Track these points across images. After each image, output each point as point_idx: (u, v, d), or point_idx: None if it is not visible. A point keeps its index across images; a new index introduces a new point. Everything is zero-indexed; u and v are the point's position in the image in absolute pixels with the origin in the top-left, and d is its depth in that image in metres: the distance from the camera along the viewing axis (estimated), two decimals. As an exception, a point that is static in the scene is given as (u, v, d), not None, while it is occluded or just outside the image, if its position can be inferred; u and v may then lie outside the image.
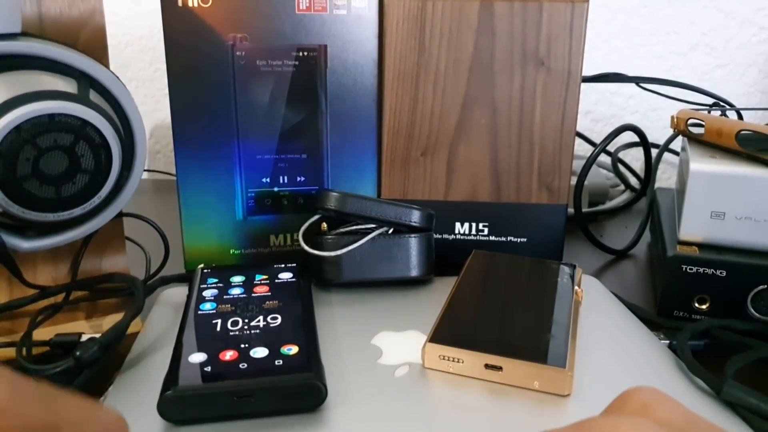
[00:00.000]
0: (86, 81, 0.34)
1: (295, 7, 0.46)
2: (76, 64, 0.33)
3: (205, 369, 0.30)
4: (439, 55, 0.49)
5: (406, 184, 0.52)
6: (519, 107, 0.50)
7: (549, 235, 0.52)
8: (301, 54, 0.48)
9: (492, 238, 0.53)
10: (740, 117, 0.64)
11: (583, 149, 0.82)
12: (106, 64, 0.39)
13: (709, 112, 0.65)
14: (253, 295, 0.38)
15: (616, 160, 0.74)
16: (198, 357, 0.31)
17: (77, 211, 0.34)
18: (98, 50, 0.37)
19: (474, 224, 0.53)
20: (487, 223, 0.53)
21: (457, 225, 0.53)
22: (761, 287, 0.42)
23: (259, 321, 0.35)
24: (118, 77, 0.36)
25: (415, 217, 0.45)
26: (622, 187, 0.75)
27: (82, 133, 0.33)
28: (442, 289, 0.45)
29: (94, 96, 0.34)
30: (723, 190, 0.42)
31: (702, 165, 0.43)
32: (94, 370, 0.31)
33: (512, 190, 0.52)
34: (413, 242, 0.45)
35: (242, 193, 0.49)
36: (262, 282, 0.40)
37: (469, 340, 0.35)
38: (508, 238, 0.53)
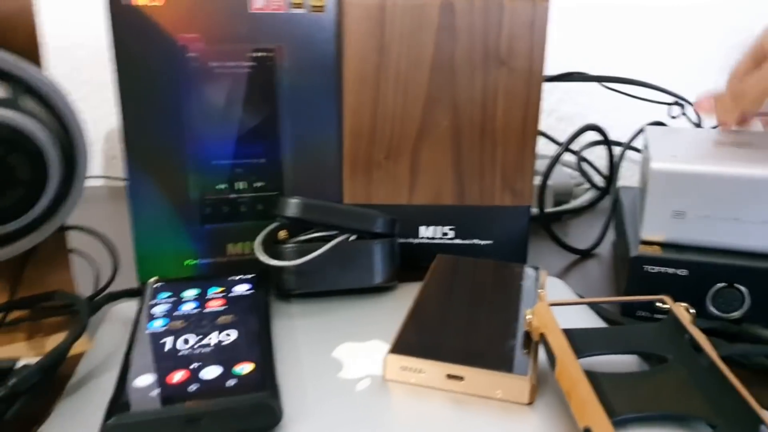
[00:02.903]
0: (20, 86, 0.32)
1: (249, 6, 0.45)
2: (6, 68, 0.31)
3: (152, 393, 0.28)
4: (399, 55, 0.48)
5: (370, 188, 0.51)
6: (481, 107, 0.49)
7: (513, 236, 0.52)
8: (257, 55, 0.46)
9: (457, 241, 0.52)
10: (699, 115, 0.65)
11: (548, 148, 0.82)
12: (42, 67, 0.37)
13: (669, 110, 0.65)
14: (206, 310, 0.36)
15: (581, 159, 0.74)
16: (145, 380, 0.29)
17: (13, 226, 0.32)
18: (32, 52, 0.35)
19: (439, 228, 0.52)
20: (452, 227, 0.52)
21: (422, 229, 0.52)
22: (721, 285, 0.41)
23: (212, 338, 0.33)
24: (54, 81, 0.34)
25: (378, 222, 0.44)
26: (587, 185, 0.75)
27: (14, 141, 0.31)
28: (406, 296, 0.44)
29: (28, 102, 0.32)
30: (684, 189, 0.42)
31: (663, 164, 0.43)
32: (30, 397, 0.29)
33: (476, 192, 0.51)
34: (376, 249, 0.43)
35: (197, 200, 0.47)
36: (218, 295, 0.38)
37: (431, 350, 0.34)
38: (474, 241, 0.52)
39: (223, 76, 0.45)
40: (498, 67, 0.48)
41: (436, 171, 0.50)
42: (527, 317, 0.36)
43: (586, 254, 0.58)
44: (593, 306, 0.44)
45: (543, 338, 0.34)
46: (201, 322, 0.35)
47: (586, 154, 0.77)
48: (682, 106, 0.65)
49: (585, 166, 0.75)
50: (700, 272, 0.42)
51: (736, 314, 0.42)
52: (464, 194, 0.51)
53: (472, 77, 0.48)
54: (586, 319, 0.42)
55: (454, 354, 0.33)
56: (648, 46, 0.80)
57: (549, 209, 0.66)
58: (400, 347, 0.34)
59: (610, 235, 0.62)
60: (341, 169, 0.50)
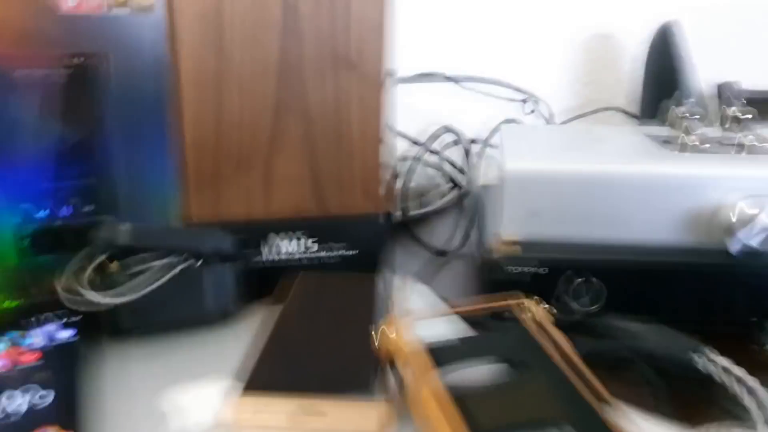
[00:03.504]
0: None
1: (59, 7, 0.39)
2: None
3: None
4: (241, 59, 0.44)
5: (219, 204, 0.46)
6: (334, 113, 0.46)
7: (378, 244, 0.50)
8: (74, 62, 0.40)
9: (322, 254, 0.49)
10: (550, 111, 0.67)
11: (411, 151, 0.81)
12: None
13: (522, 107, 0.67)
14: (18, 367, 0.30)
15: (442, 159, 0.74)
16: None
17: None
18: None
19: (301, 241, 0.49)
20: (314, 239, 0.49)
21: (283, 243, 0.48)
22: (579, 280, 0.42)
23: (22, 403, 0.28)
24: None
25: (224, 243, 0.40)
26: (450, 185, 0.75)
27: None
28: (265, 321, 0.40)
29: None
30: (538, 188, 0.42)
31: (516, 164, 0.43)
32: None
33: (337, 201, 0.48)
34: (222, 273, 0.39)
35: (14, 232, 0.40)
36: (32, 348, 0.32)
37: (282, 385, 0.31)
38: (339, 252, 0.50)
39: (33, 86, 0.39)
40: (349, 71, 0.45)
41: (292, 181, 0.47)
42: (385, 335, 0.34)
43: (452, 255, 0.58)
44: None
45: (400, 356, 0.32)
46: (7, 382, 0.29)
47: (450, 153, 0.78)
48: (534, 102, 0.67)
49: (447, 166, 0.75)
50: (558, 269, 0.42)
51: (594, 307, 0.43)
52: (325, 204, 0.48)
53: (323, 82, 0.45)
54: (450, 325, 0.41)
55: (307, 387, 0.31)
56: (500, 45, 0.82)
57: (413, 212, 0.65)
58: (251, 385, 0.31)
59: (476, 233, 0.63)
60: (184, 186, 0.45)
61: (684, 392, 0.36)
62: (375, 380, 0.31)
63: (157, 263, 0.38)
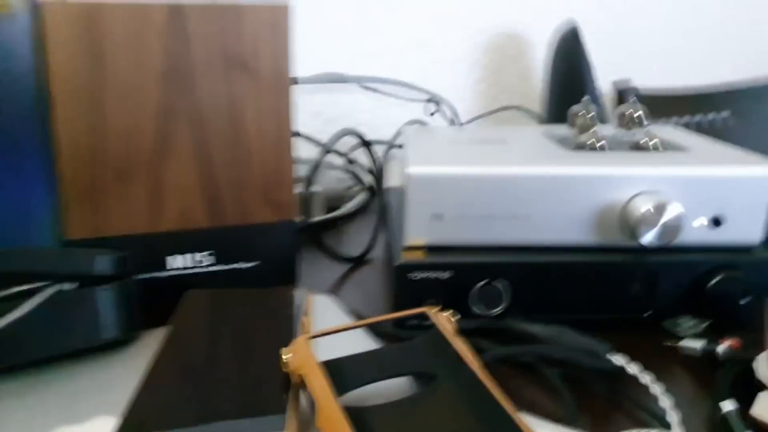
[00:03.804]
0: None
1: None
2: None
3: None
4: (122, 63, 0.40)
5: (99, 219, 0.42)
6: (228, 118, 0.43)
7: (281, 255, 0.48)
8: None
9: (218, 267, 0.46)
10: (454, 112, 0.67)
11: (315, 154, 0.79)
12: None
13: (426, 108, 0.66)
14: None
15: (349, 161, 0.73)
16: None
17: None
18: None
19: (194, 255, 0.45)
20: (209, 252, 0.46)
21: (175, 258, 0.45)
22: (482, 283, 0.42)
23: None
24: None
25: (100, 262, 0.36)
26: (360, 188, 0.74)
27: None
28: (153, 347, 0.37)
29: None
30: (440, 191, 0.42)
31: (418, 167, 0.42)
32: None
33: (234, 210, 0.46)
34: (103, 296, 0.36)
35: None
36: None
37: (169, 419, 0.28)
38: (237, 265, 0.47)
39: None
40: (242, 74, 0.43)
41: (183, 190, 0.44)
42: (284, 356, 0.31)
43: (359, 261, 0.56)
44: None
45: (303, 379, 0.30)
46: None
47: (359, 155, 0.76)
48: (437, 103, 0.67)
49: (356, 169, 0.74)
50: (462, 273, 0.42)
51: (498, 310, 0.42)
52: (220, 214, 0.45)
53: (215, 86, 0.42)
54: (357, 338, 0.39)
55: (197, 419, 0.28)
56: (403, 45, 0.81)
57: (319, 217, 0.63)
58: (132, 423, 0.28)
59: (384, 238, 0.61)
60: (60, 200, 0.41)
61: (593, 396, 0.36)
62: (281, 402, 0.29)
63: (25, 288, 0.33)
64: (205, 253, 0.46)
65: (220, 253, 0.46)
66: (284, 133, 0.45)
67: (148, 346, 0.38)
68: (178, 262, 0.45)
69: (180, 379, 0.31)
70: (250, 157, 0.45)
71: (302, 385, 0.31)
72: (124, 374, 0.34)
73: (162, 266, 0.44)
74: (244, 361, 0.33)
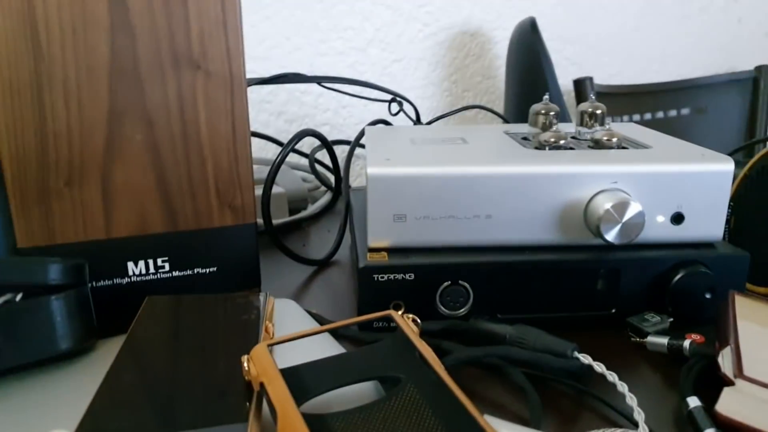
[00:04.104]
0: None
1: None
2: None
3: None
4: (65, 61, 0.38)
5: (50, 225, 0.40)
6: (179, 118, 0.42)
7: (241, 259, 0.46)
8: None
9: (175, 273, 0.45)
10: (416, 111, 0.66)
11: (273, 154, 0.78)
12: None
13: (389, 107, 0.66)
14: None
15: (313, 161, 0.72)
16: None
17: None
18: None
19: (150, 261, 0.44)
20: (166, 258, 0.44)
21: (130, 265, 0.43)
22: (446, 283, 0.41)
23: None
24: None
25: (51, 271, 0.34)
26: (324, 188, 0.73)
27: None
28: (110, 357, 0.35)
29: None
30: (401, 192, 0.41)
31: (378, 168, 0.41)
32: None
33: (190, 214, 0.44)
34: (56, 306, 0.34)
35: None
36: None
37: (125, 431, 0.27)
38: (195, 271, 0.45)
39: None
40: (193, 72, 0.41)
41: (136, 195, 0.42)
42: (244, 364, 0.30)
43: (324, 264, 0.55)
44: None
45: (263, 387, 0.29)
46: None
47: (324, 155, 0.75)
48: (400, 103, 0.66)
49: (319, 170, 0.73)
50: (426, 274, 0.41)
51: (463, 310, 0.42)
52: (176, 219, 0.44)
53: (164, 84, 0.41)
54: (320, 343, 0.38)
55: (154, 430, 0.27)
56: (363, 42, 0.80)
57: (281, 220, 0.62)
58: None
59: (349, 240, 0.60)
60: (7, 207, 0.39)
61: (560, 395, 0.36)
62: (242, 411, 0.28)
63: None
64: (162, 259, 0.44)
65: (176, 259, 0.44)
66: (240, 133, 0.44)
67: (107, 355, 0.36)
68: (136, 269, 0.43)
69: (137, 389, 0.30)
70: (202, 157, 0.43)
71: (263, 393, 0.30)
72: (80, 385, 0.33)
73: (120, 273, 0.43)
74: (204, 369, 0.32)
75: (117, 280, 0.43)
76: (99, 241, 0.42)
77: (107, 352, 0.36)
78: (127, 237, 0.43)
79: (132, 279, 0.43)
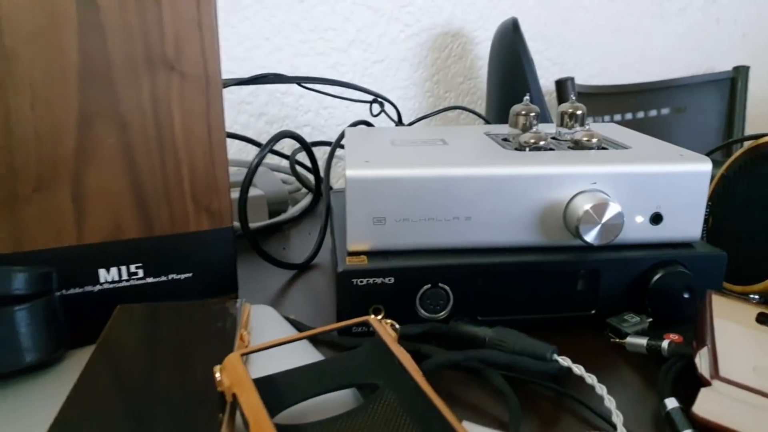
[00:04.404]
0: None
1: None
2: None
3: None
4: (31, 62, 0.37)
5: (19, 232, 0.39)
6: (154, 120, 0.41)
7: (218, 264, 0.45)
8: None
9: (150, 279, 0.44)
10: (398, 112, 0.66)
11: (252, 156, 0.77)
12: None
13: (370, 108, 0.65)
14: None
15: (294, 163, 0.71)
16: None
17: None
18: None
19: (124, 268, 0.43)
20: (140, 264, 0.43)
21: (102, 272, 0.42)
22: (426, 287, 0.41)
23: None
24: None
25: (17, 280, 0.33)
26: (305, 190, 0.72)
27: None
28: (78, 369, 0.34)
29: None
30: (380, 194, 0.40)
31: (357, 171, 0.40)
32: None
33: (165, 219, 0.43)
34: (20, 317, 0.33)
35: None
36: None
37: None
38: (170, 277, 0.44)
39: None
40: (168, 73, 0.41)
41: (109, 199, 0.41)
42: (216, 374, 0.30)
43: (304, 267, 0.54)
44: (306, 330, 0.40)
45: (236, 399, 0.28)
46: None
47: (303, 158, 0.74)
48: (381, 103, 0.66)
49: (302, 171, 0.72)
50: (406, 277, 0.41)
51: (443, 313, 0.42)
52: (151, 224, 0.43)
53: (137, 86, 0.40)
54: (298, 351, 0.37)
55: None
56: (344, 42, 0.80)
57: (260, 223, 0.61)
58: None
59: (329, 242, 0.60)
60: (-29, 213, 0.38)
61: (539, 398, 0.35)
62: (215, 424, 0.27)
63: None
64: (136, 265, 0.43)
65: (151, 264, 0.43)
66: (217, 136, 0.43)
67: (76, 366, 0.35)
68: (109, 276, 0.42)
69: (106, 401, 0.29)
70: (178, 160, 0.42)
71: (237, 404, 0.29)
72: (47, 398, 0.32)
73: (92, 280, 0.42)
74: (176, 380, 0.31)
75: (88, 288, 0.42)
76: (70, 247, 0.41)
77: (76, 363, 0.35)
78: (99, 243, 0.42)
79: (104, 286, 0.42)
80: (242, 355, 0.31)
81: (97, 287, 0.42)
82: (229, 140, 0.68)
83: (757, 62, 0.99)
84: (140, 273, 0.43)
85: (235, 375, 0.29)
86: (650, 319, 0.41)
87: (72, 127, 0.39)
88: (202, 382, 0.31)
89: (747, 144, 0.48)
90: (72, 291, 0.41)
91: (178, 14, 0.40)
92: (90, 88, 0.39)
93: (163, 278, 0.44)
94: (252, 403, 0.27)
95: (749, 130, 0.98)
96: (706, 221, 0.49)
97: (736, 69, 0.98)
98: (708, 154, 0.43)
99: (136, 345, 0.35)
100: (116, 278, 0.43)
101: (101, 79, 0.39)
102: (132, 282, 0.43)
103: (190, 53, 0.41)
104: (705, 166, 0.42)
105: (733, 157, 0.49)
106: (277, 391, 0.30)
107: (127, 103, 0.40)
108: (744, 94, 0.98)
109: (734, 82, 0.98)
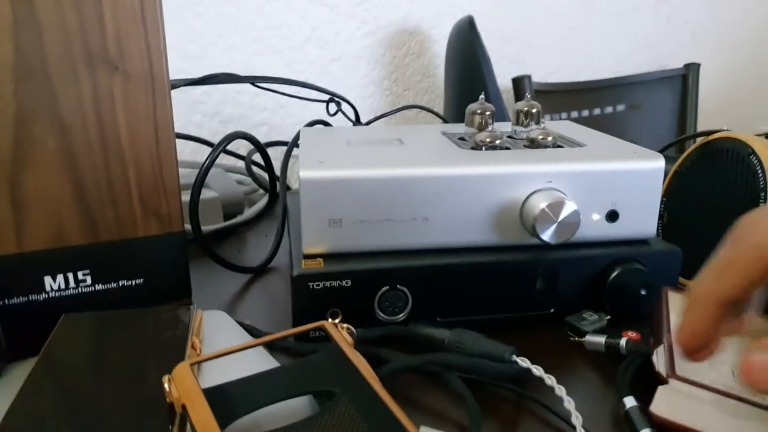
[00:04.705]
0: None
1: None
2: None
3: None
4: (-38, 60, 0.35)
5: (-48, 240, 0.37)
6: (96, 121, 0.39)
7: (169, 270, 0.44)
8: None
9: (98, 287, 0.42)
10: (355, 111, 0.65)
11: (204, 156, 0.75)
12: None
13: (327, 107, 0.64)
14: None
15: (250, 164, 0.69)
16: None
17: None
18: None
19: (71, 275, 0.41)
20: (87, 270, 0.41)
21: (47, 280, 0.40)
22: (384, 289, 0.40)
23: None
24: None
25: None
26: (262, 191, 0.71)
27: None
28: (19, 383, 0.33)
29: None
30: (335, 196, 0.39)
31: (311, 172, 0.39)
32: None
33: (111, 224, 0.41)
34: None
35: None
36: None
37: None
38: (120, 284, 0.42)
39: None
40: (110, 72, 0.39)
41: (50, 204, 0.39)
42: (165, 385, 0.28)
43: (260, 272, 0.53)
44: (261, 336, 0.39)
45: (185, 410, 0.27)
46: None
47: (259, 158, 0.73)
48: (338, 102, 0.65)
49: (258, 172, 0.70)
50: (364, 280, 0.40)
51: (401, 315, 0.41)
52: (96, 229, 0.41)
53: (77, 86, 0.38)
54: (252, 358, 0.36)
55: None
56: (300, 40, 0.78)
57: (214, 226, 0.60)
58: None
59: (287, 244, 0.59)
60: None
61: (499, 400, 0.35)
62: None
63: None
64: (83, 272, 0.41)
65: (99, 271, 0.42)
66: (164, 137, 0.41)
67: (17, 380, 0.33)
68: (55, 284, 0.40)
69: (48, 415, 0.27)
70: (124, 164, 0.41)
71: (186, 416, 0.28)
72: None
73: (37, 289, 0.40)
74: (124, 391, 0.30)
75: (33, 297, 0.40)
76: (10, 255, 0.39)
77: (18, 377, 0.33)
78: (42, 250, 0.40)
79: (50, 294, 0.40)
80: (193, 364, 0.29)
81: (43, 296, 0.40)
82: (182, 142, 0.66)
83: (706, 60, 1.01)
84: (88, 280, 0.41)
85: (184, 385, 0.28)
86: (608, 317, 0.41)
87: (8, 129, 0.37)
88: (151, 393, 0.30)
89: (699, 140, 0.49)
90: (15, 300, 0.39)
91: (120, 10, 0.38)
92: (26, 88, 0.37)
93: (113, 285, 0.42)
94: (201, 415, 0.26)
95: (701, 126, 1.01)
96: (661, 217, 0.50)
97: (687, 66, 1.01)
98: (661, 151, 0.44)
99: (82, 356, 0.33)
100: (63, 286, 0.41)
101: (38, 79, 0.37)
102: (80, 290, 0.41)
103: (133, 51, 0.39)
104: (658, 163, 0.42)
105: (685, 154, 0.50)
106: (228, 401, 0.28)
107: (67, 104, 0.38)
108: (695, 90, 1.00)
109: (686, 79, 1.01)
